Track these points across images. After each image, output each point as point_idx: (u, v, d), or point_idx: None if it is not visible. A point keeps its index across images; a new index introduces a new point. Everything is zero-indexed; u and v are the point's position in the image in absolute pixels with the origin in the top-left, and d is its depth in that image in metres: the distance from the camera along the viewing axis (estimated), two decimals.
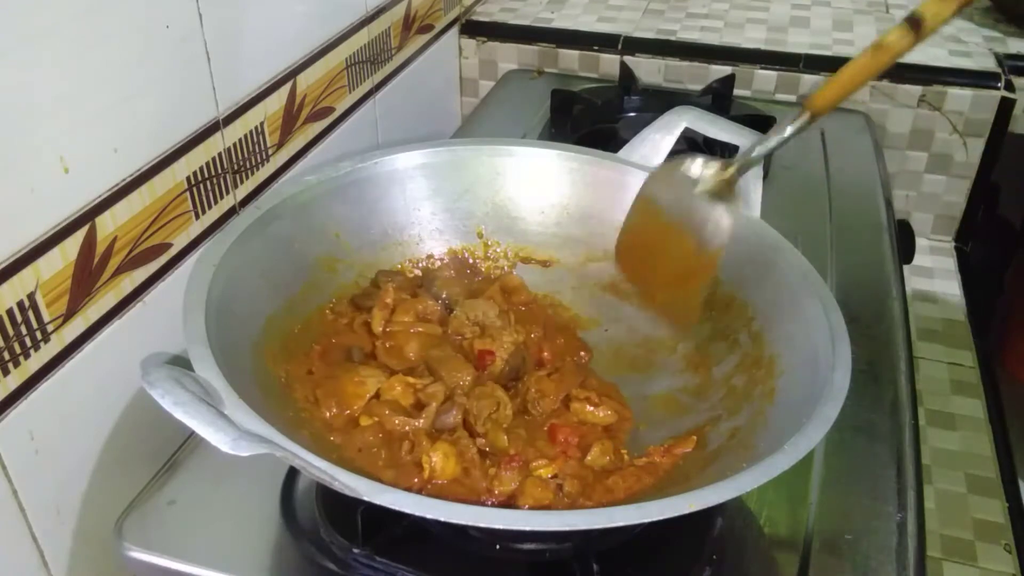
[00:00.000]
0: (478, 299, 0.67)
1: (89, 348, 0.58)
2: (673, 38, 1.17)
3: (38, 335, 0.54)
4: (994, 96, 1.05)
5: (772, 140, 0.57)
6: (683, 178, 0.61)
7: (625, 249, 0.66)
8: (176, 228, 0.65)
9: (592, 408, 0.59)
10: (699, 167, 0.60)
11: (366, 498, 0.41)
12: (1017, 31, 1.16)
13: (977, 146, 1.09)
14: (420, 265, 0.70)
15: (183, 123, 0.64)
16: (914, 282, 1.06)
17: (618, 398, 0.62)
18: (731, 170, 0.59)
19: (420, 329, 0.63)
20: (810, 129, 0.56)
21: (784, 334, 0.59)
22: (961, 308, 1.04)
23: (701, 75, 1.14)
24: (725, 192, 0.60)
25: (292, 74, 0.77)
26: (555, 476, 0.53)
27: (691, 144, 0.91)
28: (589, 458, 0.56)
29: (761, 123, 0.97)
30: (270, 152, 0.76)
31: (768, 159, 0.96)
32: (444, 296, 0.68)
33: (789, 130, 0.56)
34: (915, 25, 0.51)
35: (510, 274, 0.72)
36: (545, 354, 0.65)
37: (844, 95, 0.55)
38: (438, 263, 0.71)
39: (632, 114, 1.04)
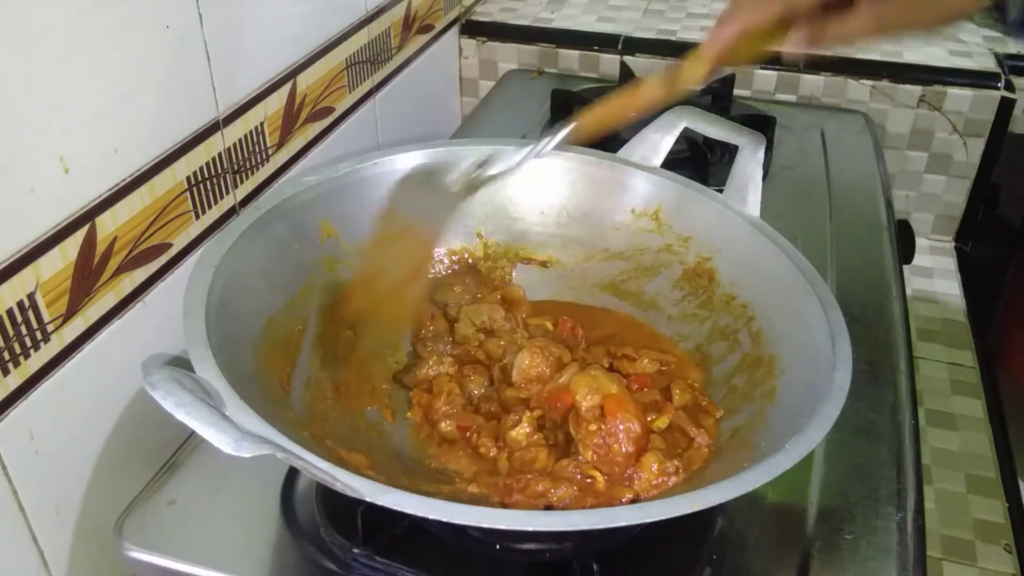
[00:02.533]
0: (481, 304, 0.67)
1: (89, 348, 0.58)
2: (673, 38, 1.17)
3: (38, 335, 0.54)
4: (994, 96, 1.05)
5: (530, 149, 0.60)
6: (432, 182, 0.63)
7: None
8: (176, 228, 0.65)
9: (632, 362, 0.62)
10: (456, 171, 0.63)
11: (367, 498, 0.41)
12: None
13: (977, 146, 1.09)
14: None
15: (183, 123, 0.64)
16: (914, 282, 1.06)
17: (664, 349, 0.64)
18: (478, 175, 0.62)
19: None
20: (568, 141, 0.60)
21: (784, 334, 0.59)
22: (961, 308, 1.04)
23: None
24: (467, 192, 0.63)
25: (292, 74, 0.77)
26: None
27: (691, 144, 0.91)
28: (676, 400, 0.59)
29: (761, 123, 0.97)
30: (270, 152, 0.76)
31: (768, 160, 0.96)
32: (448, 302, 0.68)
33: (558, 138, 0.59)
34: (673, 80, 0.56)
35: (512, 286, 0.72)
36: (578, 330, 0.66)
37: (602, 126, 0.60)
38: (438, 265, 0.71)
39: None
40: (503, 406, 0.60)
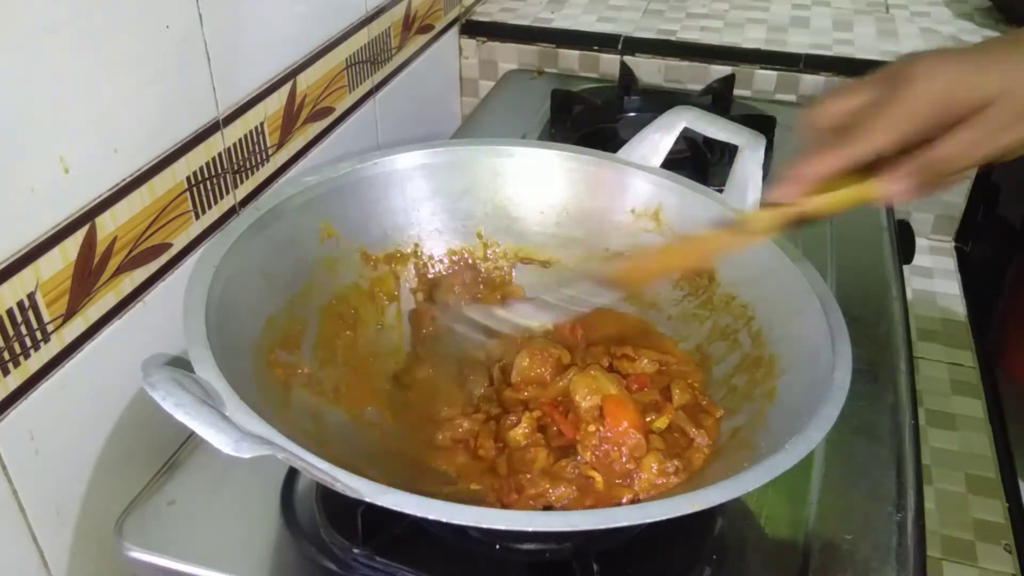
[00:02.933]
0: (481, 304, 0.66)
1: (89, 348, 0.58)
2: (673, 38, 1.17)
3: (38, 335, 0.54)
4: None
5: (577, 306, 0.61)
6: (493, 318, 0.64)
7: None
8: (176, 228, 0.65)
9: (632, 362, 0.62)
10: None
11: (367, 499, 0.41)
12: None
13: None
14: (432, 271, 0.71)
15: (183, 123, 0.64)
16: (914, 282, 1.06)
17: (664, 349, 0.64)
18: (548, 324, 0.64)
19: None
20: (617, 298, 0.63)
21: (784, 334, 0.59)
22: (961, 308, 1.04)
23: (701, 75, 1.14)
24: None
25: (292, 74, 0.77)
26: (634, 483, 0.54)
27: (691, 144, 0.91)
28: (675, 400, 0.59)
29: (761, 123, 0.97)
30: (270, 152, 0.76)
31: (768, 160, 0.96)
32: (448, 302, 0.68)
33: (598, 300, 0.61)
34: (738, 230, 0.54)
35: (512, 286, 0.72)
36: (578, 330, 0.66)
37: (657, 277, 0.60)
38: (438, 265, 0.71)
39: (632, 114, 1.04)
40: (503, 406, 0.60)
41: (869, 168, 0.47)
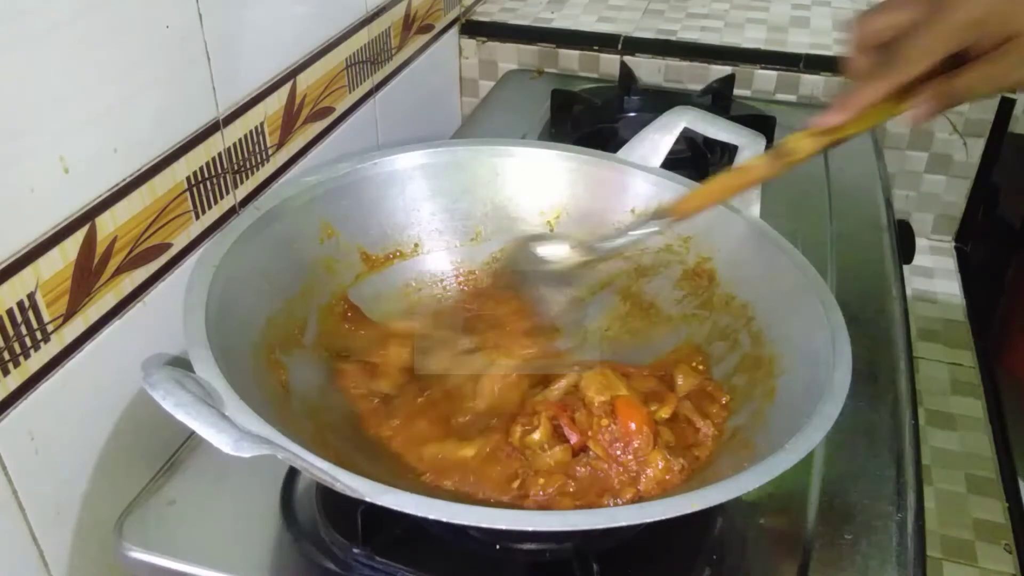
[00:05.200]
0: None
1: (89, 348, 0.58)
2: (673, 38, 1.17)
3: (38, 335, 0.54)
4: (994, 96, 1.05)
5: (628, 237, 0.63)
6: (534, 256, 0.65)
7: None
8: (176, 228, 0.65)
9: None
10: (554, 249, 0.65)
11: (367, 498, 0.41)
12: None
13: (977, 146, 1.09)
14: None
15: (183, 123, 0.64)
16: (914, 282, 1.07)
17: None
18: (583, 259, 0.64)
19: None
20: (669, 229, 0.64)
21: (784, 334, 0.59)
22: (961, 308, 1.04)
23: (701, 75, 1.14)
24: (572, 275, 0.65)
25: (292, 74, 0.77)
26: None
27: (691, 144, 0.91)
28: (680, 384, 0.60)
29: (761, 123, 0.97)
30: (270, 152, 0.76)
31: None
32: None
33: (652, 228, 0.62)
34: (779, 155, 0.56)
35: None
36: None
37: (705, 206, 0.61)
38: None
39: (632, 114, 1.04)
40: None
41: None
